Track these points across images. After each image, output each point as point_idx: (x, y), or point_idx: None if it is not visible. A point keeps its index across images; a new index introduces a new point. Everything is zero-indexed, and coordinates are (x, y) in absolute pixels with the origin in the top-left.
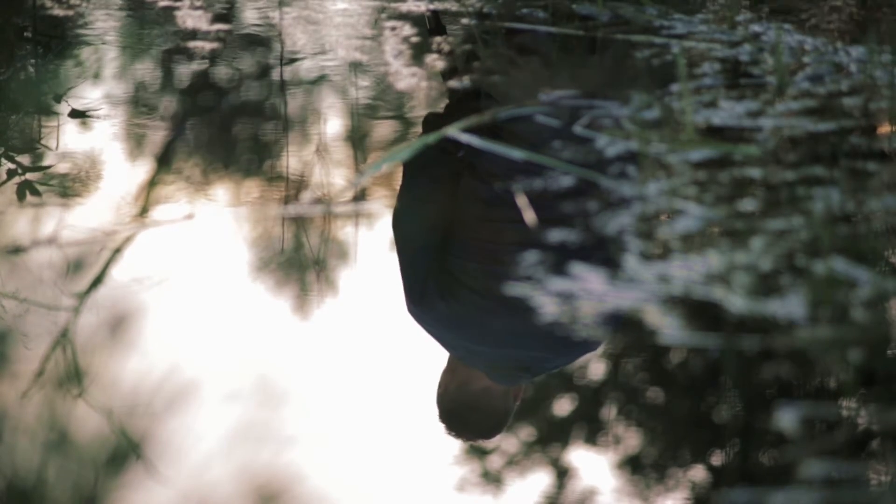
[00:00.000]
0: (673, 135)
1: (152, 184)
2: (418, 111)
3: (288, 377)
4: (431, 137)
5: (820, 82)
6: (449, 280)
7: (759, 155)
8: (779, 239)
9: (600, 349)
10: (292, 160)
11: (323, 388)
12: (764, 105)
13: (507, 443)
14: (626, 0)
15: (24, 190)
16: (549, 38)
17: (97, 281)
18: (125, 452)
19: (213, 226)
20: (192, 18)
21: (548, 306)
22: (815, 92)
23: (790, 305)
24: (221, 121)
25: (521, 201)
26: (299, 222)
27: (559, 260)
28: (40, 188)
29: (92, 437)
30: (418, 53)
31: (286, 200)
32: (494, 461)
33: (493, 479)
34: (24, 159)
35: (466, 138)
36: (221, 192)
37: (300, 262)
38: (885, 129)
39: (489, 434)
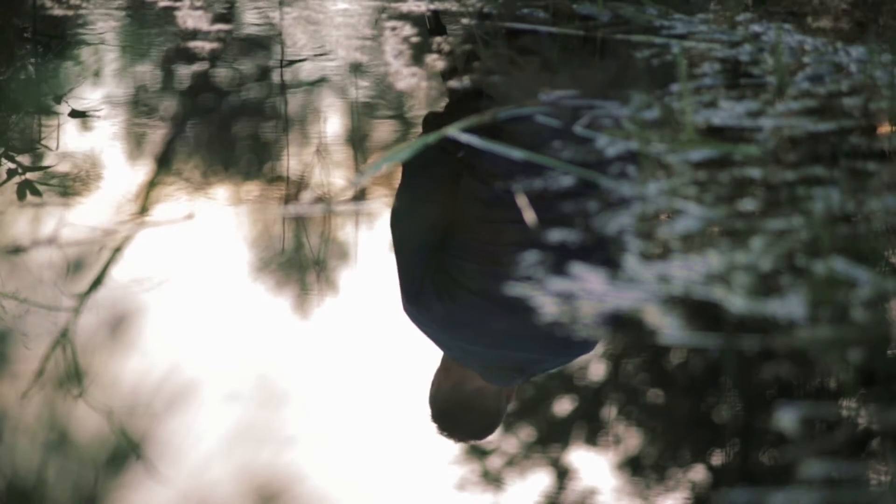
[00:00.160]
0: (673, 135)
1: (152, 184)
2: (418, 111)
3: (288, 377)
4: (431, 137)
5: (820, 82)
6: (446, 280)
7: (759, 155)
8: (779, 239)
9: (595, 351)
10: (292, 160)
11: (323, 388)
12: (764, 105)
13: (506, 443)
14: (626, 0)
15: (25, 190)
16: (550, 39)
17: (97, 281)
18: (125, 452)
19: (213, 226)
20: (192, 19)
21: (545, 307)
22: (815, 92)
23: (790, 305)
24: (221, 121)
25: (521, 201)
26: (299, 222)
27: (558, 260)
28: (40, 188)
29: (92, 437)
30: (418, 53)
31: (286, 200)
32: (494, 461)
33: (493, 479)
34: (25, 159)
35: (466, 138)
36: (221, 191)
37: (300, 262)
38: (885, 129)
39: (481, 434)
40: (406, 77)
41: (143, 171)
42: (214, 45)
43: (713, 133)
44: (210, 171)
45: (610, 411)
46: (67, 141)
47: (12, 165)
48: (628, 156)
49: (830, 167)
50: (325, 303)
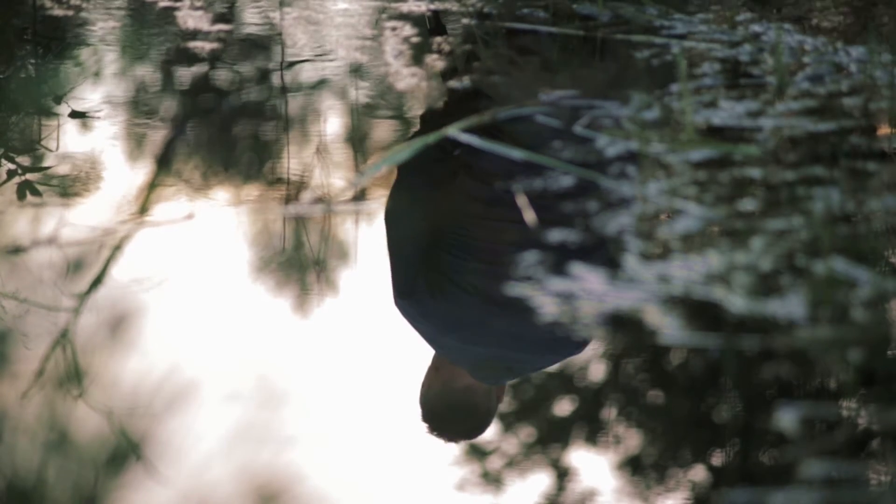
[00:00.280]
0: (673, 135)
1: (152, 184)
2: (418, 111)
3: (288, 377)
4: (431, 137)
5: (820, 82)
6: (438, 276)
7: (759, 155)
8: (779, 239)
9: (590, 350)
10: (292, 160)
11: (323, 388)
12: (764, 105)
13: (506, 443)
14: (626, 0)
15: (25, 190)
16: (550, 39)
17: (97, 281)
18: (125, 452)
19: (213, 226)
20: (192, 19)
21: (544, 307)
22: (815, 92)
23: (790, 305)
24: (221, 121)
25: (519, 200)
26: (299, 222)
27: (554, 259)
28: (40, 188)
29: (92, 437)
30: (418, 54)
31: (286, 200)
32: (494, 461)
33: (492, 480)
34: (25, 160)
35: (466, 138)
36: (221, 191)
37: (300, 263)
38: (885, 129)
39: (472, 434)
40: (406, 77)
41: (142, 171)
42: (214, 45)
43: (713, 133)
44: (210, 171)
45: (610, 411)
46: (67, 141)
47: (12, 166)
48: (628, 156)
49: (830, 167)
50: (325, 303)
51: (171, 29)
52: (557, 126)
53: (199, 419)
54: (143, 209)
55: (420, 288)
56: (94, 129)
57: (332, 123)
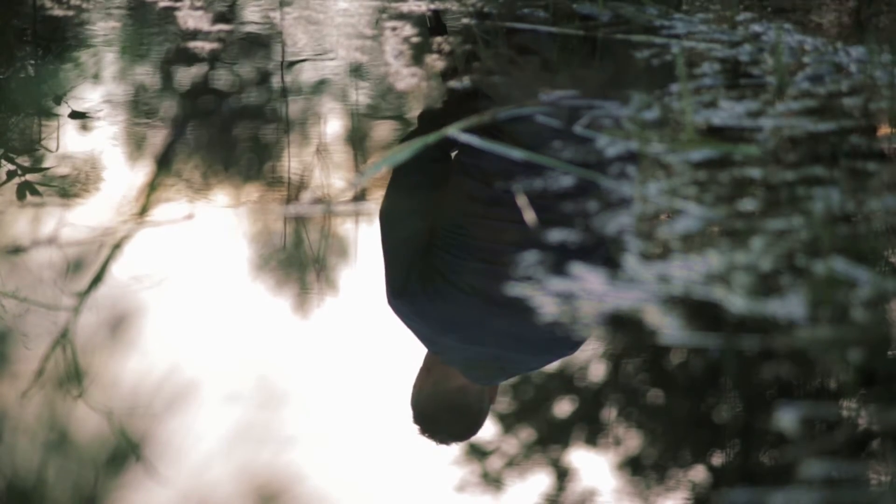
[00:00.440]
0: (673, 135)
1: (152, 184)
2: (418, 111)
3: (288, 377)
4: (431, 137)
5: (820, 82)
6: (432, 275)
7: (759, 155)
8: (779, 239)
9: (586, 351)
10: (292, 160)
11: (323, 388)
12: (764, 105)
13: (506, 443)
14: (626, 0)
15: (24, 190)
16: (550, 38)
17: (97, 281)
18: (125, 452)
19: (212, 226)
20: (192, 19)
21: (536, 306)
22: (815, 92)
23: (790, 305)
24: (221, 121)
25: (519, 200)
26: (299, 222)
27: (553, 259)
28: (40, 189)
29: (92, 437)
30: (419, 53)
31: (286, 200)
32: (494, 462)
33: (492, 480)
34: (25, 160)
35: (466, 138)
36: (221, 192)
37: (300, 263)
38: (885, 129)
39: (464, 435)
40: (406, 77)
41: (142, 171)
42: (215, 45)
43: (713, 133)
44: (210, 172)
45: (610, 411)
46: (67, 142)
47: (12, 166)
48: (628, 156)
49: (830, 167)
50: (325, 303)
51: (171, 29)
52: (557, 126)
53: (199, 419)
54: (143, 209)
55: (414, 287)
56: (94, 129)
57: (332, 123)
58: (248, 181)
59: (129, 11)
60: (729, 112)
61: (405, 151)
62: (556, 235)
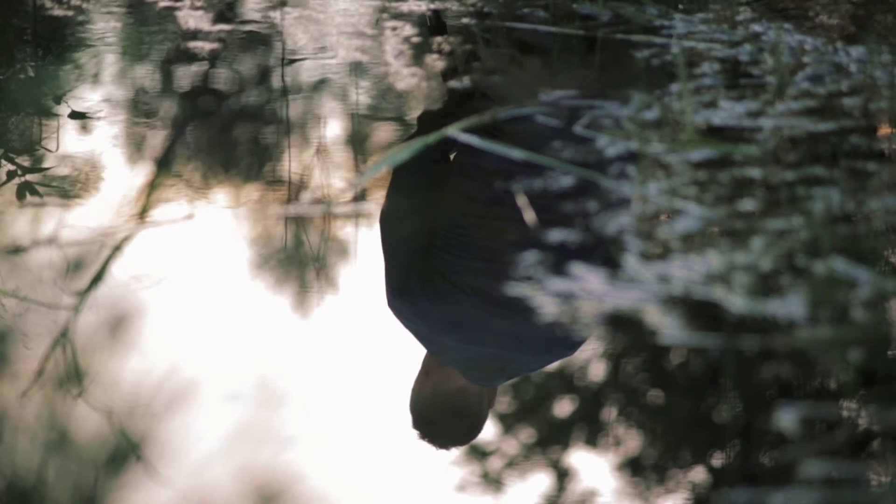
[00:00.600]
0: (673, 135)
1: (152, 184)
2: (418, 111)
3: (288, 377)
4: (431, 137)
5: (820, 82)
6: (432, 275)
7: (759, 155)
8: (779, 239)
9: (586, 351)
10: (292, 160)
11: (323, 388)
12: (764, 105)
13: (506, 444)
14: (626, 0)
15: (24, 191)
16: (550, 38)
17: (97, 281)
18: (125, 452)
19: (212, 226)
20: (192, 18)
21: (536, 306)
22: (815, 92)
23: (790, 305)
24: (222, 122)
25: (519, 200)
26: (299, 223)
27: (553, 259)
28: (40, 189)
29: (92, 437)
30: (419, 53)
31: (286, 201)
32: (494, 462)
33: (492, 480)
34: (25, 160)
35: (466, 138)
36: (221, 192)
37: (300, 263)
38: (885, 129)
39: (464, 438)
40: (406, 77)
41: (142, 171)
42: (215, 45)
43: (713, 133)
44: (210, 172)
45: (610, 412)
46: (67, 142)
47: (12, 167)
48: (628, 156)
49: (830, 167)
50: (325, 303)
51: (171, 29)
52: (557, 126)
53: (199, 419)
54: (143, 209)
55: (414, 287)
56: (94, 129)
57: (332, 124)
58: (248, 181)
59: (129, 11)
60: (729, 112)
61: (405, 152)
62: (555, 235)
